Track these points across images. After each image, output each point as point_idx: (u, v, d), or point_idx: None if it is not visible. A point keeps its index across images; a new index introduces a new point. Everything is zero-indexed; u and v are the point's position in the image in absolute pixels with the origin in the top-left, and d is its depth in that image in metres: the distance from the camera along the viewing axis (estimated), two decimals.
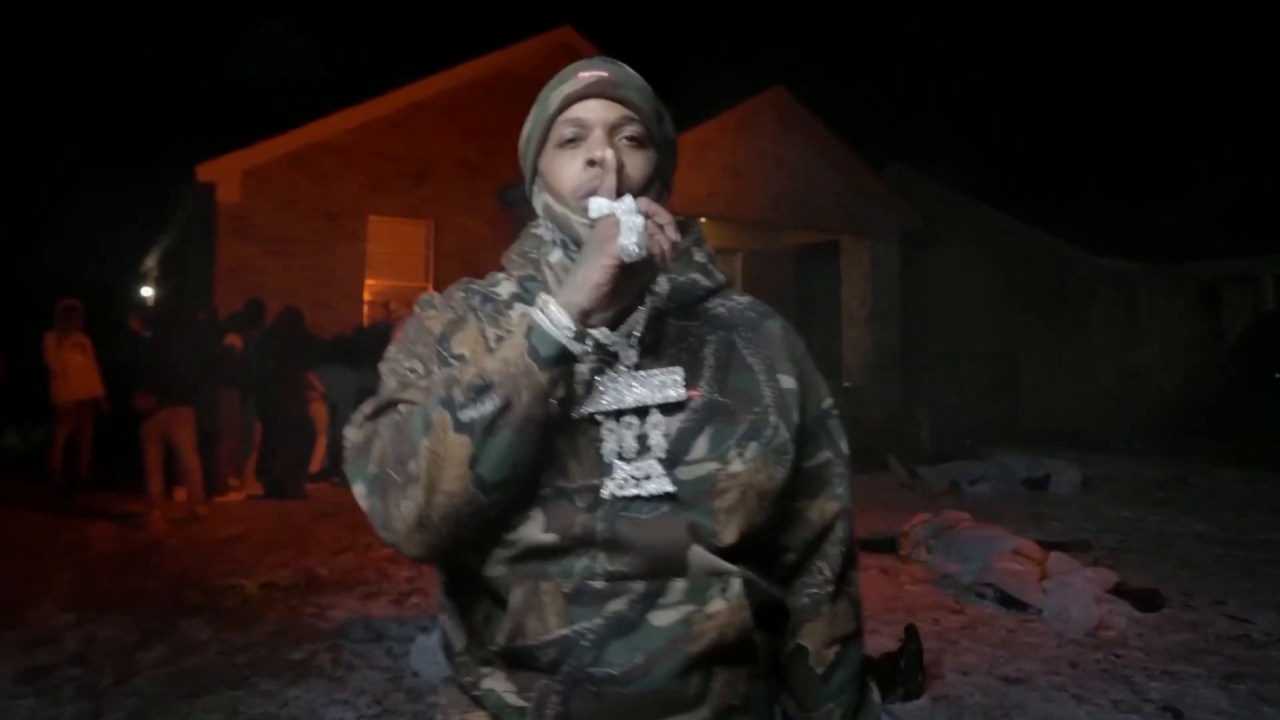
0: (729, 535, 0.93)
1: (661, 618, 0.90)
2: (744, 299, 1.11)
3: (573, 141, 1.01)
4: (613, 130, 1.00)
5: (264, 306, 8.10)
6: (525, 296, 1.04)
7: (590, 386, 0.93)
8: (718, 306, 1.07)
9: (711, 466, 0.94)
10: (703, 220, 9.63)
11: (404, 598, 4.70)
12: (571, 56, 10.04)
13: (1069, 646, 4.00)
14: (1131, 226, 14.77)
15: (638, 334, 0.96)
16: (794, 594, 1.06)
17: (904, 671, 3.44)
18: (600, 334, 0.90)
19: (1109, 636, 4.12)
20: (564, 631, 0.90)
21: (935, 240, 13.92)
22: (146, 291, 16.71)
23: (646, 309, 0.97)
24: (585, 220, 0.96)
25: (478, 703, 0.98)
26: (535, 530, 0.91)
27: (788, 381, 1.03)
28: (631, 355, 0.96)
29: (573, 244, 1.01)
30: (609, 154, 0.97)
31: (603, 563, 0.90)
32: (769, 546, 1.03)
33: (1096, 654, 3.91)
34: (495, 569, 0.93)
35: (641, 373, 0.95)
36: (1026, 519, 6.94)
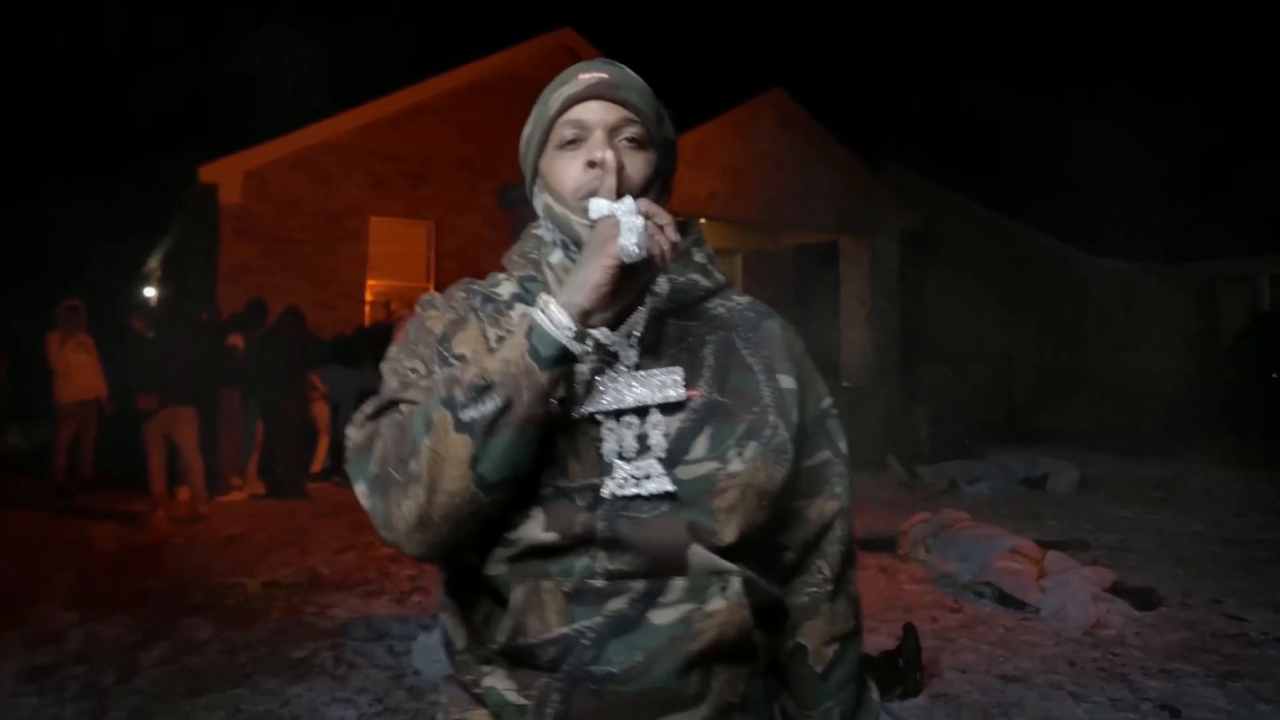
0: (728, 534, 0.93)
1: (661, 616, 0.91)
2: (744, 299, 1.12)
3: (573, 143, 1.01)
4: (613, 132, 1.00)
5: (266, 307, 8.12)
6: (526, 297, 1.05)
7: (590, 386, 0.93)
8: (717, 307, 1.07)
9: (711, 466, 0.94)
10: (702, 221, 9.63)
11: (405, 596, 4.71)
12: (572, 58, 10.07)
13: (1067, 645, 4.01)
14: (1130, 227, 14.77)
15: (638, 334, 0.97)
16: (793, 593, 1.06)
17: (902, 670, 3.45)
18: (600, 334, 0.90)
19: (1106, 635, 4.13)
20: (564, 630, 0.90)
21: (935, 240, 13.93)
22: (149, 292, 16.73)
23: (646, 309, 0.98)
24: (585, 221, 0.96)
25: (479, 701, 0.98)
26: (536, 529, 0.91)
27: (787, 381, 1.03)
28: (631, 355, 0.96)
29: (573, 245, 1.02)
30: (609, 155, 0.98)
31: (603, 561, 0.91)
32: (768, 546, 1.03)
33: (1094, 652, 3.92)
34: (496, 568, 0.93)
35: (641, 373, 0.96)
36: (1025, 518, 6.95)
